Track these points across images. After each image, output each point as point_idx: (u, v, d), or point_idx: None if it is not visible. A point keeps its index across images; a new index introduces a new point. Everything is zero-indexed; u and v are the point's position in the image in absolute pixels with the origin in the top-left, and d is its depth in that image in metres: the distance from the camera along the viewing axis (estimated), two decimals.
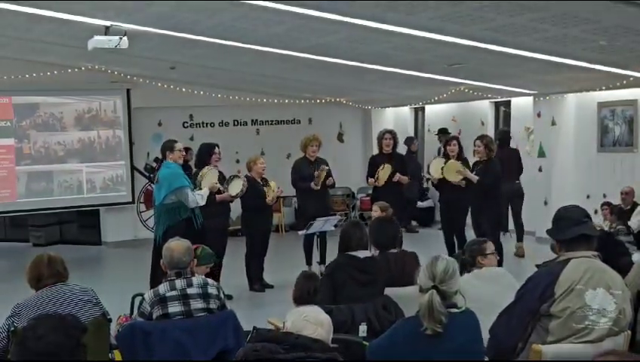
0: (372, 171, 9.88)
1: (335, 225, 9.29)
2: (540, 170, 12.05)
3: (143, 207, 13.61)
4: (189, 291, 4.60)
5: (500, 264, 6.41)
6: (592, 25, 6.60)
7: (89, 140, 13.04)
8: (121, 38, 8.14)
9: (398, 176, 9.71)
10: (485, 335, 3.94)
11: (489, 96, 12.60)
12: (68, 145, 12.87)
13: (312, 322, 3.17)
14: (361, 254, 5.15)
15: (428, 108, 15.09)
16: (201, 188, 8.37)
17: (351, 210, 14.93)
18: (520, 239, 11.23)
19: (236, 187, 8.92)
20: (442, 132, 13.40)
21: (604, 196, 10.78)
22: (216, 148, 8.93)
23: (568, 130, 11.75)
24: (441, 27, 7.08)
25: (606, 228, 9.30)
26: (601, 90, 10.70)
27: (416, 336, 3.56)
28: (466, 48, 7.93)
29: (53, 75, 12.04)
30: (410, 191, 12.50)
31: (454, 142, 9.73)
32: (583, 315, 3.78)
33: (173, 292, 4.56)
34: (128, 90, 13.23)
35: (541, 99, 11.91)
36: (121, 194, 13.35)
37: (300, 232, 9.23)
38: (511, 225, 11.69)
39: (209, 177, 8.56)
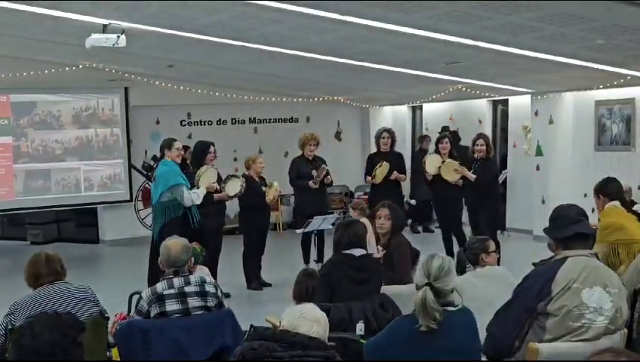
0: (370, 169, 9.89)
1: (333, 224, 9.29)
2: (538, 168, 12.06)
3: (140, 205, 13.61)
4: (187, 289, 4.60)
5: (498, 262, 6.44)
6: (589, 24, 6.61)
7: (87, 138, 13.03)
8: (118, 37, 8.13)
9: (395, 175, 9.72)
10: (482, 334, 3.96)
11: (487, 94, 12.61)
12: (66, 144, 12.86)
13: (309, 319, 3.18)
14: (357, 252, 5.15)
15: (426, 106, 15.10)
16: (198, 187, 8.38)
17: (349, 209, 14.92)
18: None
19: (234, 187, 8.92)
20: (445, 130, 13.42)
21: None
22: (212, 146, 8.92)
23: (566, 128, 11.76)
24: (439, 26, 7.08)
25: None
26: (598, 88, 10.71)
27: (413, 334, 3.58)
28: (464, 47, 7.93)
29: (51, 73, 12.02)
30: (422, 192, 12.46)
31: (445, 140, 9.81)
32: (579, 313, 3.79)
33: (171, 291, 4.56)
34: (126, 89, 13.24)
35: (539, 97, 11.91)
36: (119, 192, 13.35)
37: (298, 231, 9.24)
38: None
39: (207, 176, 8.55)
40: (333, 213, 10.65)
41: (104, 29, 8.24)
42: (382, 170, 9.62)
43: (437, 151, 9.90)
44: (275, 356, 2.98)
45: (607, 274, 3.95)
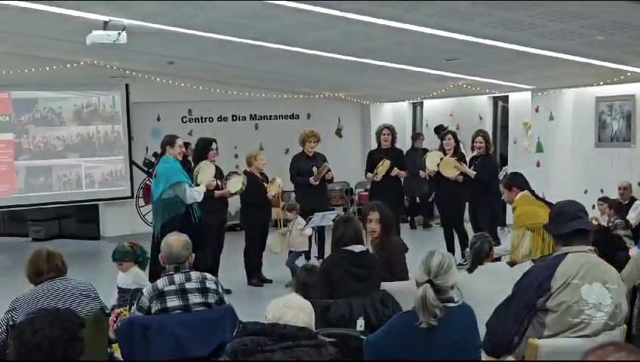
0: (370, 166, 9.89)
1: (333, 220, 9.29)
2: (538, 165, 12.06)
3: (142, 201, 13.62)
4: (188, 285, 4.61)
5: (498, 258, 6.48)
6: (589, 20, 6.60)
7: (88, 135, 13.05)
8: (119, 33, 8.14)
9: (396, 171, 9.72)
10: (482, 330, 3.97)
11: (487, 91, 12.61)
12: (67, 140, 12.88)
13: (293, 308, 3.19)
14: (356, 248, 5.16)
15: (426, 103, 15.08)
16: (197, 184, 8.38)
17: (349, 205, 14.94)
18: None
19: (236, 184, 8.92)
20: (438, 129, 13.43)
21: (602, 191, 10.79)
22: (214, 143, 8.93)
23: (566, 125, 11.76)
24: (439, 23, 7.08)
25: (604, 223, 9.32)
26: (599, 85, 10.70)
27: (413, 330, 3.58)
28: (465, 43, 7.93)
29: (52, 70, 12.03)
30: (420, 187, 12.49)
31: (449, 136, 9.79)
32: (579, 309, 3.80)
33: (172, 287, 4.57)
34: (127, 85, 13.25)
35: (539, 94, 11.91)
36: (120, 188, 13.37)
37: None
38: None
39: (205, 172, 8.55)
40: (333, 209, 10.65)
41: (105, 25, 8.25)
42: (384, 167, 9.62)
43: (441, 149, 9.89)
44: (266, 349, 2.99)
45: (607, 270, 3.96)
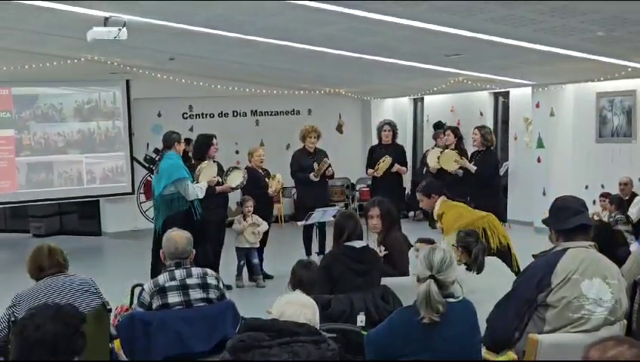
0: (371, 162, 9.90)
1: (334, 216, 9.29)
2: (539, 160, 12.07)
3: (143, 197, 13.63)
4: (189, 281, 4.61)
5: None
6: (590, 15, 6.60)
7: (89, 131, 13.06)
8: (120, 29, 8.13)
9: (397, 167, 9.73)
10: (482, 325, 3.97)
11: (488, 86, 12.61)
12: (68, 136, 12.89)
13: (296, 304, 3.20)
14: (357, 244, 5.17)
15: (427, 98, 15.10)
16: (199, 182, 8.39)
17: (350, 201, 14.95)
18: None
19: (236, 179, 8.94)
20: (437, 126, 13.42)
21: (603, 186, 10.80)
22: (214, 139, 8.93)
23: (567, 120, 11.76)
24: (440, 18, 7.08)
25: (605, 219, 9.33)
26: (599, 80, 10.71)
27: (414, 325, 3.59)
28: (465, 39, 7.93)
29: (53, 66, 12.02)
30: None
31: (448, 132, 9.82)
32: (579, 305, 3.80)
33: (173, 283, 4.57)
34: (128, 81, 13.25)
35: (540, 89, 11.91)
36: (121, 184, 13.38)
37: (299, 223, 9.24)
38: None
39: (207, 171, 8.56)
40: (334, 205, 10.65)
41: (105, 21, 8.25)
42: (385, 163, 9.62)
43: (437, 147, 9.91)
44: (263, 345, 3.00)
45: (607, 265, 3.96)
